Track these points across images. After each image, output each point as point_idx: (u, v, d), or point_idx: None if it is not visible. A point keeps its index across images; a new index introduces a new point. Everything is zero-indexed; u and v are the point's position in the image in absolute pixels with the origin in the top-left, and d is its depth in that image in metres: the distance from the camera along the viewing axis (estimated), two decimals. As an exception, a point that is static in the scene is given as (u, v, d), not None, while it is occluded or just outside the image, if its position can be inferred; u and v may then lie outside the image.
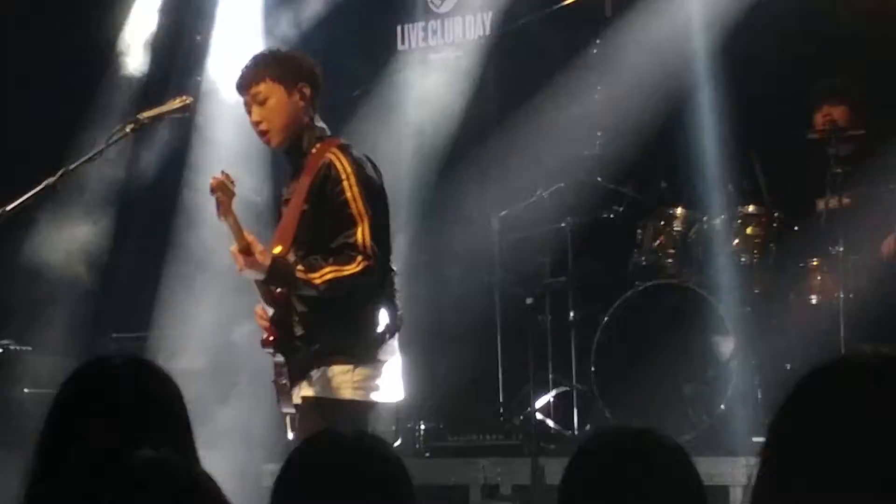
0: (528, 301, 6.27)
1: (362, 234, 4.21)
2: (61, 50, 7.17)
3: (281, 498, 2.00)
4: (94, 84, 7.19)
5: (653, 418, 5.35)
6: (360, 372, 4.29)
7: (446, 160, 7.17)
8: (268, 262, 4.17)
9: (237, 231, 4.19)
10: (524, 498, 5.76)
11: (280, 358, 4.38)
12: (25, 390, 6.10)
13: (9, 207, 4.37)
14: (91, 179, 6.29)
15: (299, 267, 4.23)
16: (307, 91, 4.31)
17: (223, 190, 4.16)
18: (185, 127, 6.31)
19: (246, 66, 4.48)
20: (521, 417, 6.28)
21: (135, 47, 7.33)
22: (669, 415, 5.62)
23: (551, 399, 6.33)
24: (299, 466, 2.11)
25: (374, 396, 4.31)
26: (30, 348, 6.26)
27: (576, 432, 6.07)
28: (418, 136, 7.16)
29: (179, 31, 7.54)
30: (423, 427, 6.43)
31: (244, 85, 4.37)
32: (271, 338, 4.36)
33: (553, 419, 6.24)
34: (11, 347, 6.46)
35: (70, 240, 6.60)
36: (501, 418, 6.43)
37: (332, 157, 4.27)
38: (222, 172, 4.28)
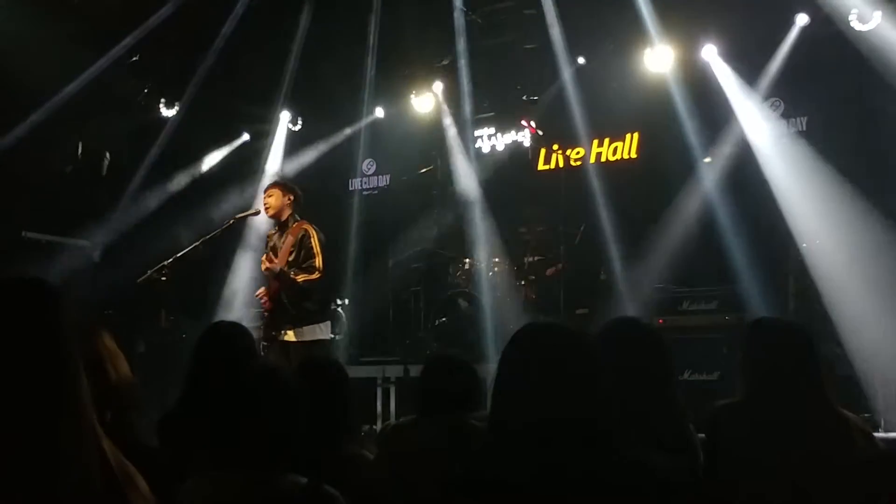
0: (403, 297, 9.36)
1: (318, 261, 6.36)
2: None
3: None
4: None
5: (457, 347, 7.71)
6: (321, 326, 6.43)
7: (375, 235, 10.55)
8: (278, 268, 6.36)
9: (271, 260, 6.28)
10: (400, 383, 8.26)
11: (270, 315, 6.41)
12: None
13: (166, 262, 6.45)
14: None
15: (293, 272, 6.34)
16: (291, 199, 6.64)
17: (268, 267, 6.41)
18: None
19: (271, 181, 7.19)
20: (398, 347, 8.89)
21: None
22: (463, 345, 7.95)
23: (408, 341, 8.92)
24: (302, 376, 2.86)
25: (328, 336, 6.52)
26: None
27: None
28: (362, 227, 10.76)
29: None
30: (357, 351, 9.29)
31: (267, 188, 6.80)
32: (268, 306, 6.45)
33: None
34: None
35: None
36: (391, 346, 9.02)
37: (308, 228, 6.46)
38: (268, 259, 6.35)
